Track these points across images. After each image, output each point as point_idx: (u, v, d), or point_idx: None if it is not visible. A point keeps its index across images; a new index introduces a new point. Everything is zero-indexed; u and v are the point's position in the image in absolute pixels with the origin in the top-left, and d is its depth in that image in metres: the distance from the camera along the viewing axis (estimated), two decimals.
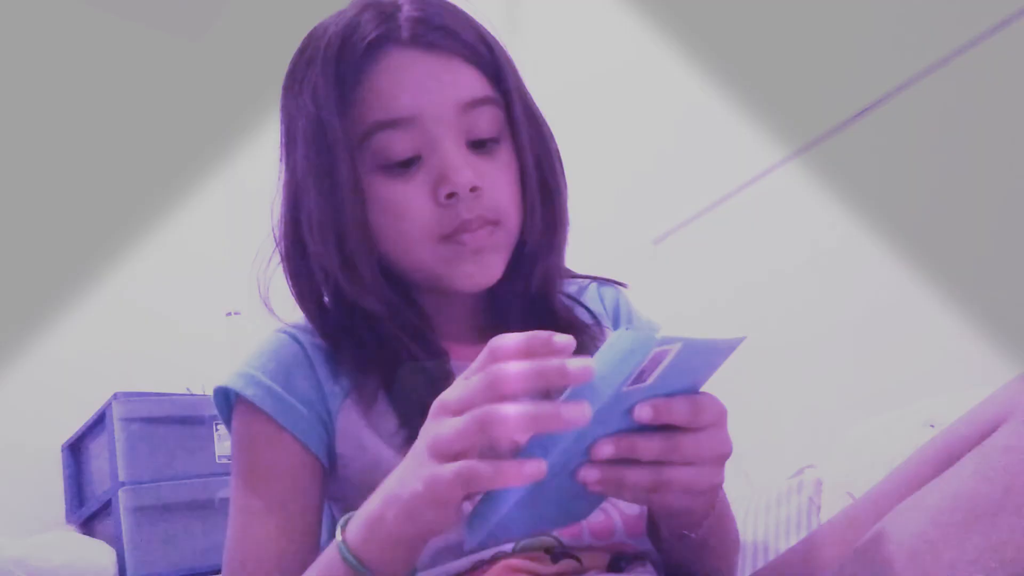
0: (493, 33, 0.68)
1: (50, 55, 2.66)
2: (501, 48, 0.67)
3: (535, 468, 0.42)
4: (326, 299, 0.69)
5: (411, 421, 0.62)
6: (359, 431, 0.63)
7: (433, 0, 0.65)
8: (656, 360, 0.44)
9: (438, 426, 0.46)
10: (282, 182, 0.69)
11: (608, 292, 0.82)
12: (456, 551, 0.61)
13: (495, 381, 0.43)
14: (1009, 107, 1.27)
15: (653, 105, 1.81)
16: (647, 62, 1.80)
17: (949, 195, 1.34)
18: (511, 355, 0.44)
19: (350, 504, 0.65)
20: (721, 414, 0.49)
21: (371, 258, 0.64)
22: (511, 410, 0.42)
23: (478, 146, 0.64)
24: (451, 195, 0.62)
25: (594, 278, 0.81)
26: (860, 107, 1.44)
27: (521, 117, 0.66)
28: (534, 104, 0.71)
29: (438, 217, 0.63)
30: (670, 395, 0.47)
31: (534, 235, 0.68)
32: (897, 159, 1.41)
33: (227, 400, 0.68)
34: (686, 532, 0.59)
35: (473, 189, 0.62)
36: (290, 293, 0.70)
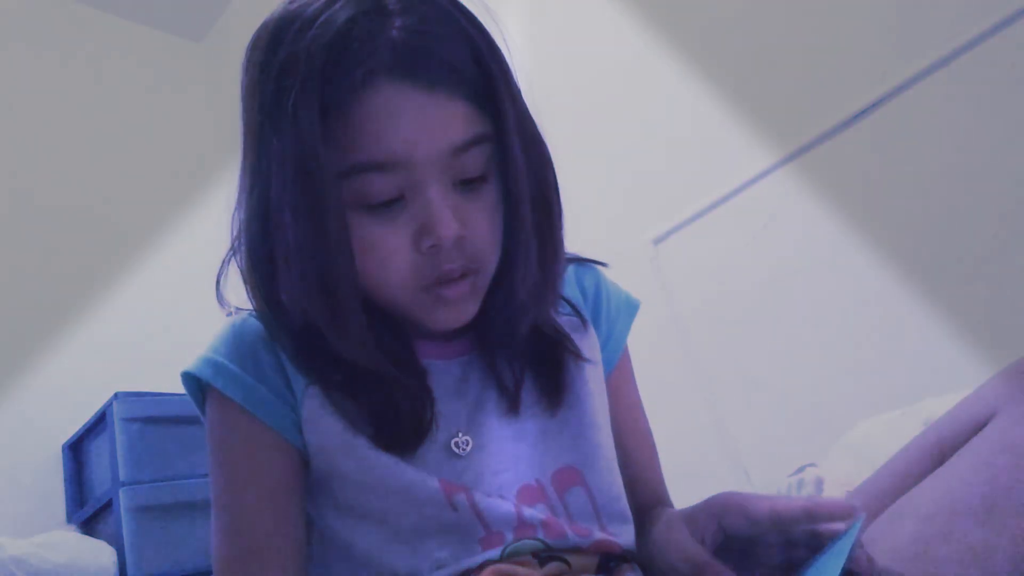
0: (490, 29, 0.61)
1: (51, 56, 2.66)
2: (499, 65, 0.60)
3: None
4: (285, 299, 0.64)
5: (387, 425, 0.61)
6: (325, 417, 0.61)
7: (427, 13, 0.58)
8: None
9: None
10: (247, 193, 0.63)
11: (588, 276, 0.78)
12: (444, 561, 0.59)
13: None
14: (1008, 107, 1.27)
15: (654, 105, 1.81)
16: (648, 62, 1.80)
17: (948, 197, 1.34)
18: None
19: (317, 490, 0.63)
20: None
21: (356, 304, 0.59)
22: None
23: (464, 183, 0.59)
24: (434, 246, 0.58)
25: (572, 260, 0.75)
26: (857, 109, 1.45)
27: (516, 153, 0.60)
28: (532, 127, 0.64)
29: (418, 266, 0.59)
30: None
31: (526, 283, 0.63)
32: (895, 161, 1.41)
33: (198, 385, 0.67)
34: None
35: (458, 239, 0.58)
36: (252, 305, 0.66)
